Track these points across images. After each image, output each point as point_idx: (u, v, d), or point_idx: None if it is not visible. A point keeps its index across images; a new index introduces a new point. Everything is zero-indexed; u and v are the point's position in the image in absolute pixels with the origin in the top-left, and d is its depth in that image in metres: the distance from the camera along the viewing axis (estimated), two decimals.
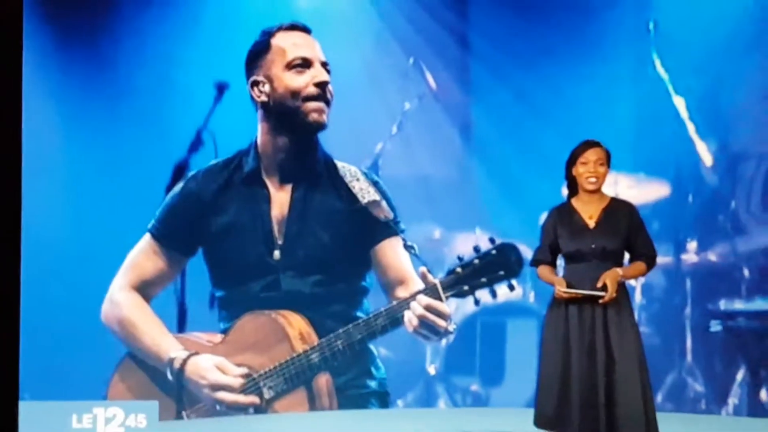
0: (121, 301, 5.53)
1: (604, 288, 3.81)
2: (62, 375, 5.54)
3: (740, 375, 5.75)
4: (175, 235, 5.55)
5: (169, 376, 5.39)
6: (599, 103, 5.71)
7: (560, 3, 5.91)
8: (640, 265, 3.93)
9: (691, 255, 5.89)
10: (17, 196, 4.63)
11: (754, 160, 5.84)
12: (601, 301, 3.81)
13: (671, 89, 5.90)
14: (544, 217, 4.12)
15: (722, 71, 5.78)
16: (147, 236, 5.56)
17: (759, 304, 5.77)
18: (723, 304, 5.87)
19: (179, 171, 5.68)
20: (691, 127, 5.89)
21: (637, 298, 5.73)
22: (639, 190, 5.04)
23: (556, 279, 3.89)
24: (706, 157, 5.90)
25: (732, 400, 5.75)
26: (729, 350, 5.82)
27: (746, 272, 5.81)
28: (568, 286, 3.82)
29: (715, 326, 5.86)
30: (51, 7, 5.70)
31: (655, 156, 5.82)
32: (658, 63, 5.92)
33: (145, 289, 5.56)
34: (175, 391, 5.39)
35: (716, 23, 5.69)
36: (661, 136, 5.89)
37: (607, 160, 3.91)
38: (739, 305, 5.83)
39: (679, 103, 5.90)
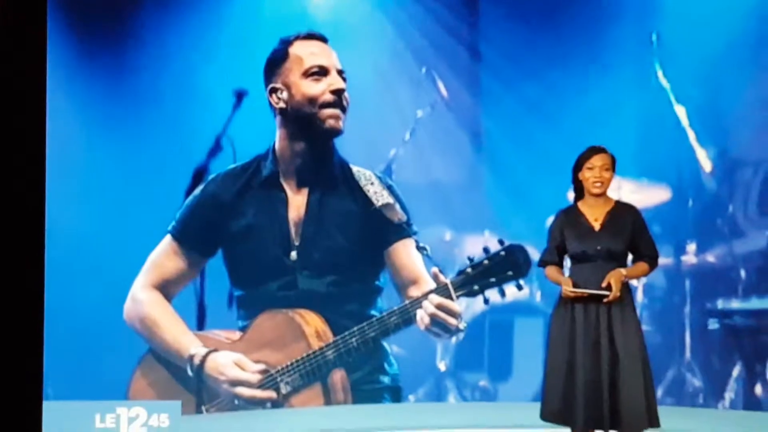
0: (143, 299, 5.59)
1: (609, 288, 3.84)
2: (85, 372, 5.57)
3: (736, 371, 5.77)
4: (195, 236, 5.61)
5: (189, 373, 5.46)
6: (604, 111, 5.73)
7: (567, 16, 5.91)
8: (643, 266, 3.95)
9: (690, 256, 5.91)
10: (41, 197, 4.71)
11: (752, 166, 5.86)
12: (605, 300, 3.83)
13: (673, 98, 5.92)
14: (550, 220, 4.14)
15: (721, 81, 5.81)
16: (168, 237, 5.62)
17: (755, 303, 5.80)
18: (720, 303, 5.89)
19: (199, 175, 5.74)
20: (691, 135, 5.92)
21: (639, 297, 5.76)
22: (641, 195, 5.09)
23: (563, 279, 3.93)
24: (706, 163, 5.92)
25: (728, 395, 5.77)
26: (726, 347, 5.84)
27: (743, 273, 5.84)
28: (574, 285, 3.86)
29: (713, 324, 5.88)
30: (75, 15, 5.75)
31: (657, 162, 5.84)
32: (660, 73, 5.94)
33: (166, 288, 5.62)
34: (195, 386, 5.46)
35: (716, 36, 5.71)
36: (662, 143, 5.91)
37: (612, 166, 3.95)
38: (735, 304, 5.85)
39: (680, 111, 5.93)
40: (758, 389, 5.71)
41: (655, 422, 3.84)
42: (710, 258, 5.92)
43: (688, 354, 5.84)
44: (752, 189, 5.86)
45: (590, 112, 5.72)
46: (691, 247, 5.92)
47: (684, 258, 5.87)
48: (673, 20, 5.85)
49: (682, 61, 5.86)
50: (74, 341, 5.52)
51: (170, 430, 4.38)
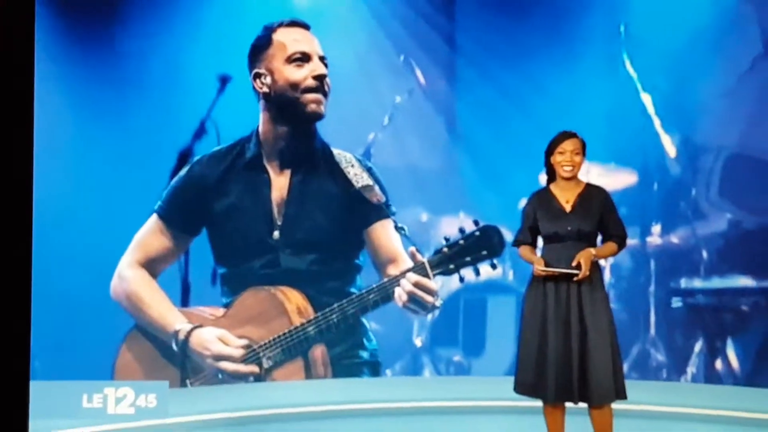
0: (129, 276, 5.59)
1: (579, 266, 3.83)
2: (73, 347, 5.54)
3: (698, 347, 5.83)
4: (181, 215, 5.60)
5: (175, 348, 5.45)
6: (574, 98, 5.75)
7: (540, 7, 5.94)
8: (612, 245, 3.95)
9: (655, 238, 5.93)
10: (29, 178, 4.67)
11: (713, 152, 5.91)
12: (576, 278, 3.83)
13: (639, 87, 5.95)
14: (523, 202, 4.12)
15: (686, 71, 5.85)
16: (154, 217, 5.61)
17: (716, 283, 5.85)
18: (683, 283, 5.93)
19: (184, 157, 5.75)
20: (657, 122, 5.94)
21: (607, 277, 5.79)
22: (609, 179, 5.13)
23: (536, 258, 3.93)
24: (670, 149, 5.95)
25: (690, 369, 5.83)
26: (688, 324, 5.90)
27: (705, 254, 5.88)
28: (546, 264, 3.87)
29: (676, 303, 5.92)
30: (62, 5, 5.70)
31: (624, 147, 5.87)
32: (627, 63, 5.97)
33: (151, 266, 5.62)
34: (180, 361, 5.46)
35: (681, 28, 5.76)
36: (629, 129, 5.94)
37: (583, 150, 3.94)
38: (698, 284, 5.90)
39: (647, 99, 5.95)
40: (718, 364, 5.78)
41: (622, 394, 3.86)
42: (674, 239, 5.94)
43: (652, 331, 5.88)
44: (714, 174, 5.90)
45: (561, 99, 5.74)
46: (656, 228, 5.94)
47: (649, 239, 5.90)
48: (640, 13, 5.89)
49: (649, 51, 5.89)
50: (62, 317, 5.49)
51: (157, 410, 4.27)
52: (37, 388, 3.60)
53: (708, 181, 5.92)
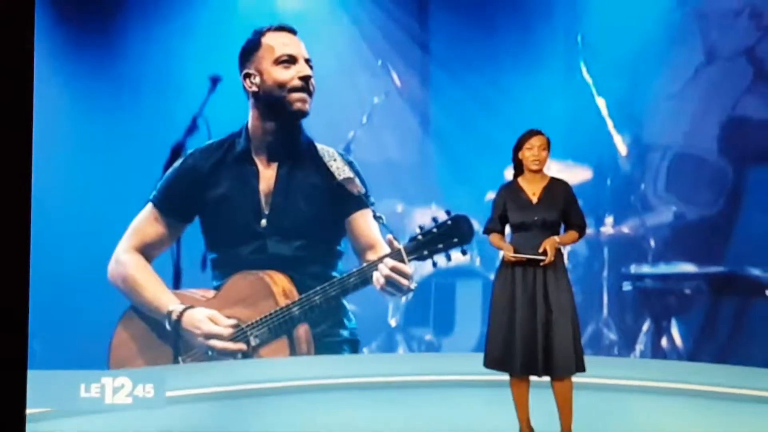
0: (125, 261, 5.54)
1: (545, 253, 3.90)
2: (72, 326, 5.46)
3: (646, 326, 5.90)
4: (174, 204, 5.57)
5: (167, 326, 5.42)
6: (536, 100, 5.77)
7: (505, 18, 5.96)
8: (574, 234, 4.03)
9: (608, 228, 5.99)
10: (28, 171, 4.58)
11: (660, 151, 5.97)
12: (541, 263, 3.90)
13: (594, 91, 6.00)
14: (490, 194, 4.21)
15: (636, 78, 5.92)
16: (149, 205, 5.57)
17: (662, 268, 5.92)
18: (633, 268, 5.98)
19: (176, 151, 5.72)
20: (610, 123, 6.00)
21: (565, 263, 5.88)
22: (567, 174, 5.08)
23: (505, 245, 3.98)
24: (622, 148, 6.02)
25: (639, 347, 5.89)
26: (637, 306, 5.95)
27: (652, 242, 5.95)
28: (515, 251, 3.91)
29: (627, 286, 5.98)
30: (62, 6, 5.62)
31: (580, 146, 5.91)
32: (584, 69, 6.01)
33: (147, 251, 5.57)
34: (173, 339, 5.43)
35: (632, 39, 5.82)
36: (585, 129, 5.98)
37: (548, 146, 4.02)
38: (646, 269, 5.96)
39: (601, 102, 6.00)
40: (664, 342, 5.86)
41: (581, 367, 3.95)
42: (625, 229, 6.00)
43: (605, 312, 5.94)
44: (660, 170, 5.97)
45: (524, 101, 5.77)
46: (609, 220, 5.99)
47: (603, 229, 5.95)
48: (596, 24, 5.95)
49: (603, 59, 5.95)
50: (62, 299, 5.42)
51: (155, 400, 4.12)
52: (34, 378, 3.59)
53: (655, 177, 5.98)
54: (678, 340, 5.87)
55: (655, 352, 5.89)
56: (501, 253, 4.01)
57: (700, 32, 5.86)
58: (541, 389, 3.97)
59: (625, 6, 5.80)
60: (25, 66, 4.61)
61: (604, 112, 6.00)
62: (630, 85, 5.94)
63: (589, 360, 3.98)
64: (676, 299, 5.88)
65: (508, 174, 4.27)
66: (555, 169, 5.04)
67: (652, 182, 5.99)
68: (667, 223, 5.94)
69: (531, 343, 3.90)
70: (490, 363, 4.01)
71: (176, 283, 5.65)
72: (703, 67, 5.87)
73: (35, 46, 4.63)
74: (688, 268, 5.87)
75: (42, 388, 4.10)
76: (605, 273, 5.96)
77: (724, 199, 5.82)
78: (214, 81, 5.73)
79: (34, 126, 4.57)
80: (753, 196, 5.77)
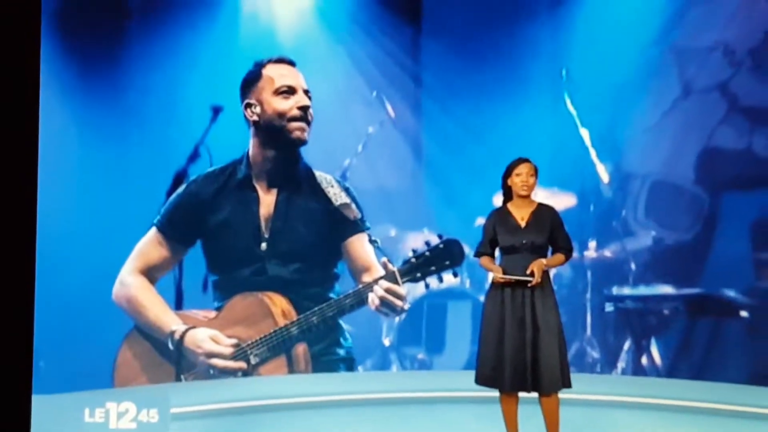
0: (130, 283, 5.61)
1: (533, 274, 3.96)
2: (77, 345, 5.49)
3: (627, 345, 6.00)
4: (178, 228, 5.64)
5: (170, 346, 5.48)
6: (523, 131, 5.87)
7: (494, 53, 6.05)
8: (560, 257, 4.11)
9: (591, 252, 6.10)
10: (33, 196, 4.63)
11: (640, 179, 6.10)
12: (529, 284, 3.98)
13: (578, 122, 6.11)
14: (479, 219, 4.29)
15: (617, 110, 6.05)
16: (153, 230, 5.64)
17: (642, 290, 6.02)
18: (615, 290, 6.09)
19: (179, 178, 5.81)
20: (593, 152, 6.12)
21: (551, 284, 5.95)
22: (552, 201, 5.06)
23: (495, 267, 4.07)
24: (604, 176, 6.13)
25: (620, 364, 5.98)
26: (619, 326, 6.04)
27: (633, 265, 6.05)
28: (504, 272, 4.00)
29: (609, 307, 6.07)
30: (69, 40, 5.71)
31: (565, 174, 6.01)
32: (568, 102, 6.13)
33: (150, 273, 5.63)
34: (175, 358, 5.50)
35: (613, 73, 5.97)
36: (569, 158, 6.09)
37: (536, 173, 4.12)
38: (627, 291, 6.06)
39: (584, 133, 6.12)
40: (644, 359, 5.96)
41: (567, 384, 4.04)
42: (607, 253, 6.11)
43: (588, 331, 6.02)
44: (640, 197, 6.10)
45: (511, 131, 5.88)
46: (592, 244, 6.10)
47: (586, 253, 6.05)
48: (579, 59, 6.08)
49: (586, 92, 6.08)
50: (67, 319, 5.48)
51: (159, 425, 4.06)
52: (38, 402, 3.55)
53: (635, 204, 6.11)
54: (657, 357, 5.96)
55: (636, 369, 5.98)
56: (491, 275, 4.09)
57: (677, 68, 6.02)
58: (529, 405, 4.07)
59: (606, 42, 5.94)
60: (32, 95, 4.70)
61: (588, 142, 6.11)
62: (611, 116, 6.07)
63: (573, 377, 4.08)
64: (655, 319, 5.98)
65: (497, 200, 4.38)
66: (541, 195, 5.18)
67: (632, 208, 6.11)
68: (646, 247, 6.05)
69: (519, 361, 3.97)
70: (481, 380, 4.08)
71: (178, 304, 5.72)
72: (680, 101, 6.02)
73: (41, 76, 4.72)
74: (667, 289, 5.98)
75: (46, 413, 4.00)
76: (588, 294, 6.04)
77: (700, 225, 5.96)
78: (216, 111, 5.83)
79: (39, 152, 4.64)
80: (727, 221, 5.90)
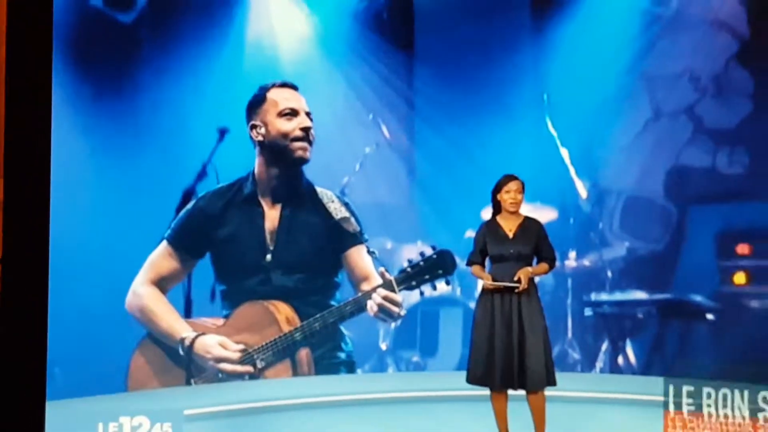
0: (142, 293, 5.73)
1: (520, 281, 4.23)
2: (93, 352, 5.53)
3: (604, 346, 6.26)
4: (187, 241, 5.77)
5: (181, 352, 5.61)
6: (509, 150, 6.06)
7: (481, 78, 6.25)
8: (545, 265, 4.40)
9: (571, 261, 6.35)
10: (47, 213, 4.77)
11: (615, 194, 6.41)
12: (516, 290, 4.24)
13: (559, 143, 6.38)
14: (468, 232, 4.51)
15: (594, 131, 6.33)
16: (164, 243, 5.77)
17: (618, 296, 6.31)
18: (593, 296, 6.36)
19: (187, 195, 5.94)
20: (572, 170, 6.39)
21: (537, 290, 6.12)
22: (535, 214, 5.13)
23: (485, 275, 4.35)
24: (582, 191, 6.41)
25: (599, 364, 6.25)
26: (597, 329, 6.31)
27: (609, 273, 6.33)
28: (493, 280, 4.27)
29: (588, 312, 6.33)
30: (82, 64, 5.80)
31: (546, 190, 6.18)
32: (549, 124, 6.39)
33: (161, 284, 5.75)
34: (185, 363, 5.62)
35: (590, 97, 6.22)
36: (551, 175, 6.31)
37: (523, 189, 4.42)
38: (604, 297, 6.33)
39: (564, 153, 6.39)
40: (620, 359, 6.23)
41: (552, 381, 4.34)
42: (586, 262, 6.38)
43: (569, 334, 6.26)
44: (615, 211, 6.39)
45: (498, 151, 6.08)
46: (572, 254, 6.36)
47: (567, 262, 6.29)
48: (559, 85, 6.34)
49: (566, 115, 6.35)
50: (83, 328, 5.56)
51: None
52: (53, 411, 3.64)
53: (611, 217, 6.40)
54: (632, 357, 6.24)
55: (613, 368, 6.24)
56: (481, 282, 4.34)
57: (648, 93, 6.35)
58: (518, 402, 4.35)
59: (584, 69, 6.22)
60: (45, 117, 4.85)
61: (567, 160, 6.38)
62: (589, 137, 6.34)
63: (557, 376, 4.35)
64: (630, 322, 6.26)
65: (485, 214, 4.66)
66: (525, 209, 5.40)
67: (608, 221, 6.40)
68: (621, 257, 6.34)
69: (508, 361, 4.24)
70: (473, 379, 4.35)
71: (187, 312, 5.84)
72: (650, 123, 6.35)
73: (54, 100, 4.87)
74: (640, 295, 6.26)
75: (60, 423, 3.98)
76: (569, 300, 6.28)
77: (669, 236, 6.27)
78: (222, 132, 5.96)
79: (52, 170, 4.78)
80: (694, 232, 6.22)
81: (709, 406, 4.62)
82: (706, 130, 6.25)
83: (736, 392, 4.58)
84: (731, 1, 6.10)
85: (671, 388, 4.73)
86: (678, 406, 4.67)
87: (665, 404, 4.72)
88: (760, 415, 4.51)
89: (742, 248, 5.24)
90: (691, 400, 4.68)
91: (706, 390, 4.64)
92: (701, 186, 6.22)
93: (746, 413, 4.53)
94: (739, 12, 6.09)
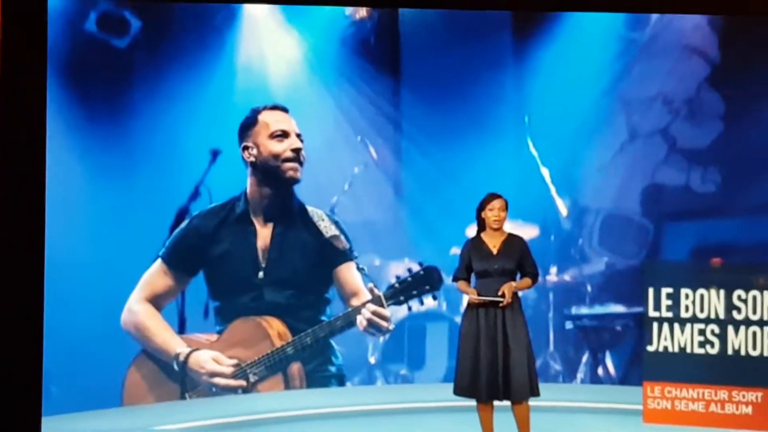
0: (137, 310, 5.85)
1: (504, 295, 4.33)
2: (90, 368, 5.63)
3: (585, 358, 6.40)
4: (181, 259, 5.89)
5: (175, 367, 5.72)
6: (492, 170, 6.15)
7: (465, 102, 6.33)
8: (528, 280, 4.50)
9: (552, 276, 6.46)
10: (42, 233, 4.86)
11: (594, 212, 6.56)
12: (501, 305, 4.34)
13: (540, 163, 6.49)
14: (454, 249, 4.58)
15: (573, 151, 6.47)
16: (158, 261, 5.89)
17: (598, 309, 6.44)
18: (574, 310, 6.47)
19: (181, 215, 6.06)
20: (552, 189, 6.51)
21: (521, 304, 6.15)
22: (517, 232, 5.20)
23: (470, 290, 4.44)
24: (563, 209, 6.54)
25: (579, 375, 6.39)
26: (577, 342, 6.43)
27: (589, 288, 6.47)
28: (479, 295, 4.36)
29: (569, 325, 6.45)
30: (76, 88, 5.89)
31: (528, 208, 6.27)
32: (531, 144, 6.51)
33: (156, 301, 5.87)
34: (180, 378, 5.74)
35: (570, 119, 6.38)
36: (532, 194, 6.43)
37: (506, 207, 4.52)
38: (584, 310, 6.46)
39: (545, 172, 6.50)
40: (600, 370, 6.38)
41: (536, 392, 4.45)
42: (566, 277, 6.51)
43: (551, 347, 6.39)
44: (594, 228, 6.54)
45: (481, 171, 6.18)
46: (553, 269, 6.48)
47: (548, 277, 6.42)
48: (540, 107, 6.47)
49: (546, 136, 6.48)
50: (79, 345, 5.67)
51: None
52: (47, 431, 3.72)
53: (590, 234, 6.55)
54: (611, 368, 6.38)
55: (593, 378, 6.40)
56: (467, 297, 4.44)
57: (625, 115, 6.52)
58: (503, 412, 4.46)
59: (563, 93, 6.36)
60: (40, 139, 4.95)
61: (548, 179, 6.50)
62: (569, 157, 6.48)
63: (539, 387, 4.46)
64: (608, 335, 6.39)
65: (469, 231, 4.76)
66: (507, 227, 5.51)
67: (588, 238, 6.55)
68: (600, 272, 6.49)
69: (493, 373, 4.34)
70: (459, 391, 4.45)
71: (181, 328, 5.95)
72: (627, 144, 6.53)
73: (48, 123, 4.96)
74: (618, 308, 6.40)
75: None
76: (551, 314, 6.41)
77: (646, 251, 6.43)
78: (215, 153, 6.07)
79: (47, 192, 4.88)
80: (669, 248, 6.39)
81: None
82: (679, 150, 6.43)
83: None
84: (703, 28, 6.31)
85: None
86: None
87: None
88: None
89: (715, 263, 5.40)
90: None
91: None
92: (676, 203, 6.40)
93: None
94: (710, 38, 6.31)
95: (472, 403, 4.42)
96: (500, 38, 6.42)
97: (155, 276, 5.82)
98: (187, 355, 5.66)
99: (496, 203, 4.48)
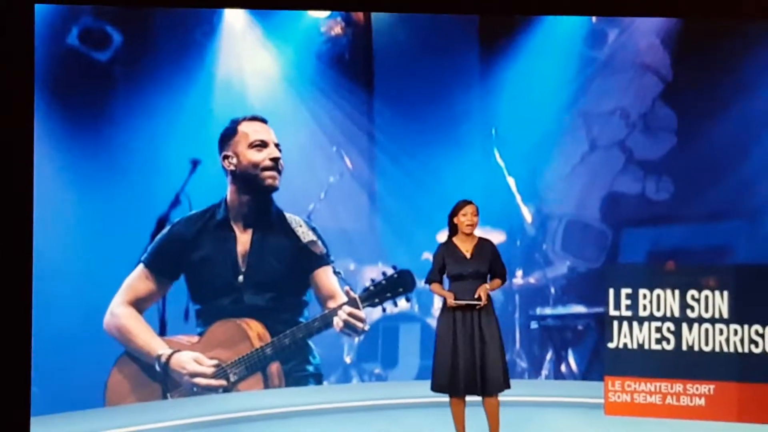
0: (119, 313, 5.91)
1: (480, 297, 4.47)
2: (72, 370, 5.62)
3: (549, 355, 6.59)
4: (163, 264, 5.97)
5: (157, 368, 5.80)
6: (460, 180, 6.29)
7: (434, 115, 6.51)
8: (498, 281, 4.62)
9: (518, 279, 6.65)
10: (30, 240, 4.85)
11: (557, 219, 6.76)
12: (477, 307, 4.44)
13: (506, 172, 6.67)
14: (425, 254, 4.70)
15: (538, 162, 6.68)
16: (140, 266, 5.97)
17: (560, 310, 6.64)
18: (538, 310, 6.66)
19: (161, 222, 6.14)
20: (518, 197, 6.70)
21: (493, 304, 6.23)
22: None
23: (446, 293, 4.52)
24: (528, 216, 6.73)
25: (544, 372, 6.58)
26: (542, 340, 6.62)
27: (552, 290, 6.67)
28: (455, 298, 4.44)
29: (534, 325, 6.64)
30: (61, 100, 5.91)
31: (495, 215, 6.40)
32: (497, 155, 6.68)
33: (138, 304, 5.93)
34: (162, 378, 5.80)
35: (534, 132, 6.59)
36: (499, 202, 6.60)
37: (478, 213, 4.61)
38: (548, 311, 6.65)
39: (511, 181, 6.69)
40: (563, 367, 6.58)
41: (508, 385, 4.57)
42: (531, 280, 6.70)
43: (517, 345, 6.56)
44: (557, 234, 6.75)
45: (450, 180, 6.35)
46: (519, 272, 6.67)
47: (514, 280, 6.61)
48: (506, 120, 6.67)
49: (512, 148, 6.67)
50: (62, 348, 5.68)
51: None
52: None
53: (554, 239, 6.74)
54: (573, 365, 6.58)
55: (557, 374, 6.59)
56: (439, 299, 4.54)
57: (585, 128, 6.77)
58: (473, 406, 4.59)
59: (527, 107, 6.59)
60: (26, 150, 4.95)
61: (514, 188, 6.69)
62: (533, 167, 6.71)
63: None
64: (571, 333, 6.60)
65: (440, 237, 4.91)
66: (476, 232, 5.66)
67: (551, 243, 6.74)
68: (563, 275, 6.69)
69: (470, 369, 4.46)
70: (437, 388, 4.55)
71: (162, 331, 6.01)
72: (587, 155, 6.77)
73: (36, 133, 4.96)
74: (580, 309, 6.61)
75: None
76: (517, 314, 6.58)
77: (605, 255, 6.67)
78: (194, 163, 6.14)
79: (35, 200, 4.89)
80: (627, 252, 6.62)
81: None
82: (636, 161, 6.68)
83: None
84: (656, 47, 6.59)
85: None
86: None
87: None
88: None
89: (669, 266, 5.61)
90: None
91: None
92: (632, 211, 6.65)
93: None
94: (663, 57, 6.59)
95: (444, 398, 4.52)
96: (468, 57, 6.60)
97: (137, 280, 5.89)
98: (169, 356, 5.74)
99: (469, 209, 4.61)
